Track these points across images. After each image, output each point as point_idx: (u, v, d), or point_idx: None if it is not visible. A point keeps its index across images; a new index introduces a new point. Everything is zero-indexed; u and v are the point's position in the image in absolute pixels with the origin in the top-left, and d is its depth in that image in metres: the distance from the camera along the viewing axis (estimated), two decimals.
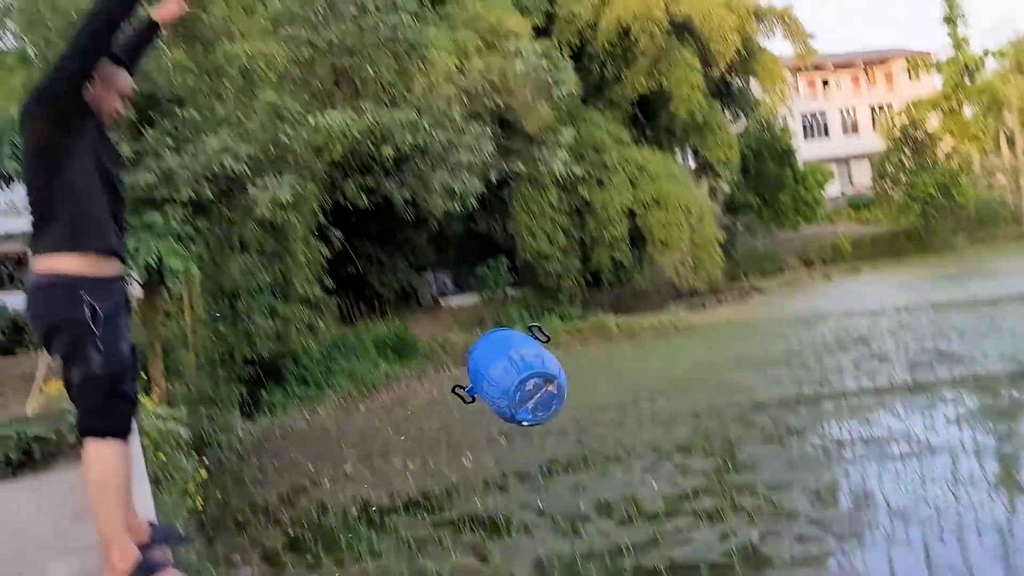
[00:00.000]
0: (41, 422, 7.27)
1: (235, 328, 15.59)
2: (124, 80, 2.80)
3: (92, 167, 2.67)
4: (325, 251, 18.02)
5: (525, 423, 2.83)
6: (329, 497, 10.73)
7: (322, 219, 15.95)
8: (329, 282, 20.27)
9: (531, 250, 23.37)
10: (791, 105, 32.25)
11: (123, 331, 2.67)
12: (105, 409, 2.64)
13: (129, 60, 2.93)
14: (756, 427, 10.93)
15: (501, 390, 2.86)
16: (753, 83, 28.66)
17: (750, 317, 20.71)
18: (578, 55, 24.10)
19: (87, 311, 2.54)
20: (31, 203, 2.70)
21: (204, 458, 10.53)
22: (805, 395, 12.22)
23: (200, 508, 7.87)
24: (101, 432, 2.68)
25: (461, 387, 2.90)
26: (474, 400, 2.62)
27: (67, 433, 7.30)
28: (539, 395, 2.91)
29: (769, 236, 31.73)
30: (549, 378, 2.89)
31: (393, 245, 25.36)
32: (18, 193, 9.56)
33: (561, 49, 19.39)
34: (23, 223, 11.18)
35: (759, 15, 25.92)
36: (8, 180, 8.52)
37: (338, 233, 17.31)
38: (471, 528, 8.63)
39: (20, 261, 23.96)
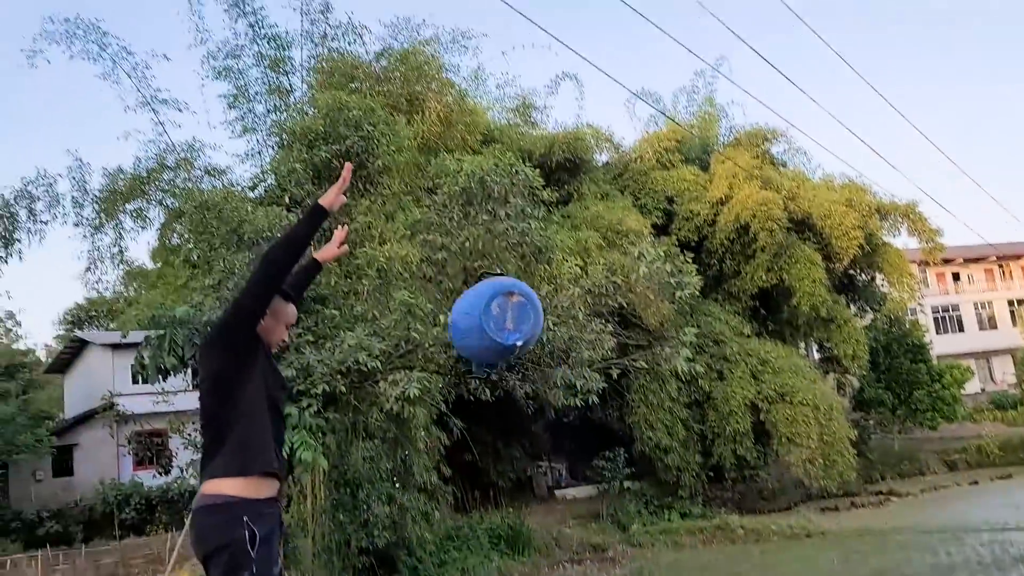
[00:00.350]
0: None
1: (354, 516, 15.63)
2: (291, 313, 3.10)
3: (261, 393, 2.92)
4: (444, 439, 18.19)
5: (519, 344, 2.70)
6: None
7: (443, 407, 16.24)
8: (446, 470, 20.29)
9: (649, 442, 22.82)
10: (921, 299, 31.32)
11: (275, 551, 2.79)
12: None
13: (295, 294, 3.27)
14: None
15: (476, 333, 2.76)
16: (879, 277, 28.16)
17: (890, 525, 19.14)
18: (696, 248, 24.55)
19: (247, 534, 2.68)
20: (203, 427, 2.95)
21: None
22: None
23: None
24: None
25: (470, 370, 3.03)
26: (489, 375, 2.62)
27: None
28: (510, 311, 2.81)
29: (905, 435, 29.87)
30: (508, 292, 2.80)
31: (510, 434, 25.35)
32: (171, 383, 10.28)
33: (681, 247, 19.80)
34: (167, 407, 11.85)
35: (882, 212, 25.88)
36: (166, 374, 9.20)
37: (458, 422, 17.51)
38: None
39: (162, 443, 25.35)
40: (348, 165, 3.19)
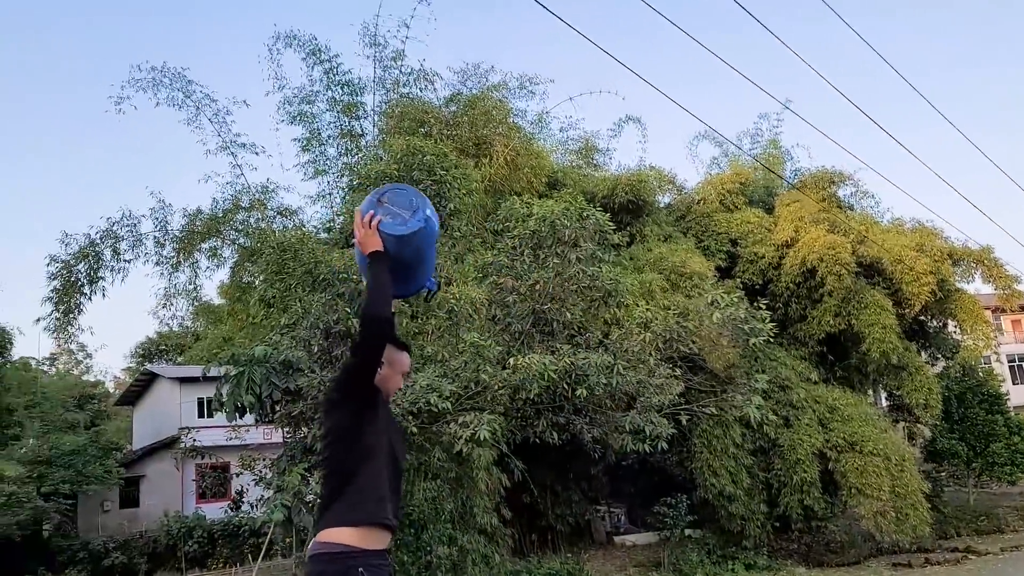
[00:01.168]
0: None
1: (416, 557, 15.60)
2: (405, 361, 3.17)
3: (381, 445, 2.98)
4: (505, 481, 18.11)
5: (430, 216, 2.94)
6: None
7: (505, 449, 16.20)
8: (506, 512, 20.15)
9: (713, 489, 22.26)
10: (996, 347, 30.21)
11: None
12: None
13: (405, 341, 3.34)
14: None
15: (382, 227, 3.01)
16: (951, 324, 27.30)
17: None
18: (761, 292, 24.15)
19: None
20: (325, 477, 3.01)
21: None
22: None
23: None
24: None
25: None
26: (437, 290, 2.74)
27: None
28: (396, 199, 3.09)
29: (981, 489, 28.64)
30: (383, 193, 3.07)
31: (568, 476, 25.05)
32: (245, 419, 10.48)
33: (745, 290, 19.56)
34: (237, 441, 12.14)
35: (954, 257, 25.17)
36: (243, 412, 9.39)
37: (519, 463, 17.42)
38: None
39: (226, 477, 25.78)
40: (358, 211, 3.32)
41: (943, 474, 28.01)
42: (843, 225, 24.31)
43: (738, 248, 25.43)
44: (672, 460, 28.23)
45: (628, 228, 24.17)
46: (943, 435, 27.40)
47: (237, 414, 9.55)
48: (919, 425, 26.28)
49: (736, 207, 26.40)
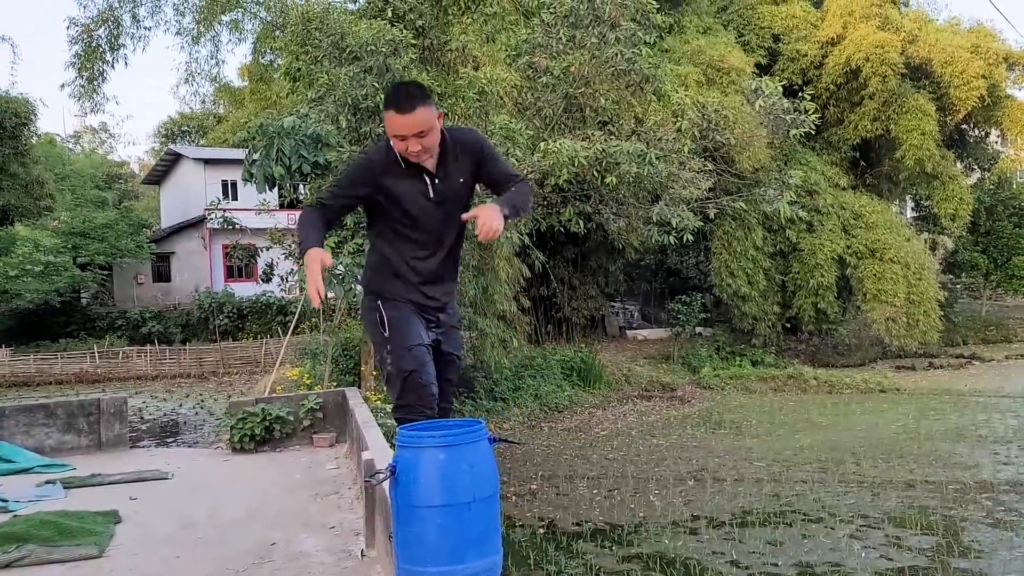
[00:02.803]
0: (283, 404, 7.94)
1: None
2: (391, 122, 2.92)
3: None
4: (525, 271, 18.44)
5: None
6: (515, 512, 10.89)
7: (527, 240, 16.36)
8: (525, 301, 20.74)
9: (728, 289, 22.71)
10: None
11: (413, 337, 2.91)
12: (402, 404, 2.92)
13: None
14: (983, 509, 9.97)
15: None
16: (993, 134, 26.41)
17: (969, 388, 18.97)
18: (799, 93, 23.30)
19: (377, 317, 2.89)
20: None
21: None
22: None
23: None
24: (402, 424, 2.93)
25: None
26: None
27: (302, 417, 7.93)
28: None
29: (995, 302, 29.00)
30: None
31: (586, 271, 25.55)
32: (272, 193, 10.52)
33: (784, 90, 18.81)
34: (266, 220, 12.22)
35: (1010, 61, 23.86)
36: (273, 183, 9.38)
37: (540, 255, 17.65)
38: (662, 568, 8.45)
39: (252, 254, 26.35)
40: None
41: (959, 285, 28.26)
42: (895, 22, 22.93)
43: (780, 45, 24.20)
44: (689, 262, 28.66)
45: (667, 18, 22.89)
46: (966, 247, 27.39)
47: (267, 186, 9.56)
48: (943, 236, 26.20)
49: None
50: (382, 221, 2.98)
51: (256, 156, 9.86)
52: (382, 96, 10.30)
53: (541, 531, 10.03)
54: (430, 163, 2.90)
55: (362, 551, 4.44)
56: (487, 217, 2.68)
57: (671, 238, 11.39)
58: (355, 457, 6.11)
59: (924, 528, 9.25)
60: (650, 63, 10.77)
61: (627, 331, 27.39)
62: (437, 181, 2.91)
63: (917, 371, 22.24)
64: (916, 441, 13.85)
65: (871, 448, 13.42)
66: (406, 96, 2.78)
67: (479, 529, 2.54)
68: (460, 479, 2.51)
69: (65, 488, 6.04)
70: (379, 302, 2.93)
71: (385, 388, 3.11)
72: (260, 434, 7.65)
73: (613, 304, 28.33)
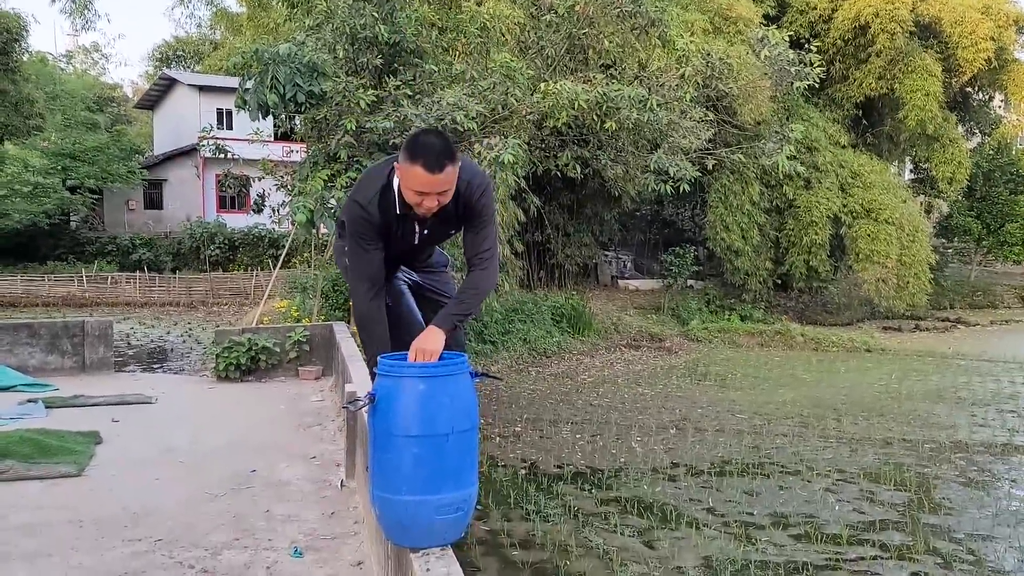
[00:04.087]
0: (269, 335, 7.94)
1: None
2: (412, 175, 2.76)
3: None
4: (520, 216, 18.33)
5: None
6: (498, 452, 11.00)
7: (523, 184, 16.22)
8: (518, 246, 20.67)
9: (722, 243, 22.69)
10: None
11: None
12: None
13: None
14: (956, 468, 10.13)
15: None
16: (997, 99, 26.14)
17: (953, 351, 19.14)
18: (803, 46, 22.96)
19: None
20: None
21: None
22: (1017, 445, 11.18)
23: None
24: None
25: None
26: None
27: (288, 349, 7.94)
28: None
29: (985, 267, 29.09)
30: None
31: (581, 219, 25.45)
32: (267, 123, 10.35)
33: (790, 43, 18.52)
34: (259, 150, 12.08)
35: (1020, 24, 23.50)
36: (267, 111, 9.22)
37: (535, 200, 17.53)
38: (639, 512, 8.58)
39: (244, 185, 26.12)
40: None
41: (951, 250, 28.31)
42: None
43: None
44: (684, 214, 28.56)
45: None
46: (961, 211, 27.36)
47: (260, 113, 9.38)
48: (939, 199, 26.13)
49: None
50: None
51: (250, 83, 9.67)
52: (381, 27, 10.10)
53: (523, 472, 10.15)
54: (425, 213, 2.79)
55: (342, 481, 4.47)
56: (424, 343, 2.66)
57: (668, 188, 11.30)
58: (339, 390, 6.13)
59: (898, 484, 9.40)
60: (656, 6, 10.54)
61: (619, 280, 27.44)
62: (426, 232, 2.87)
63: (903, 332, 22.40)
64: (897, 400, 14.01)
65: (852, 405, 13.57)
66: (437, 154, 2.62)
67: (456, 461, 2.55)
68: (439, 410, 2.51)
69: (47, 407, 6.05)
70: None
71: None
72: (246, 364, 7.66)
73: (607, 253, 28.31)
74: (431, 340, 2.66)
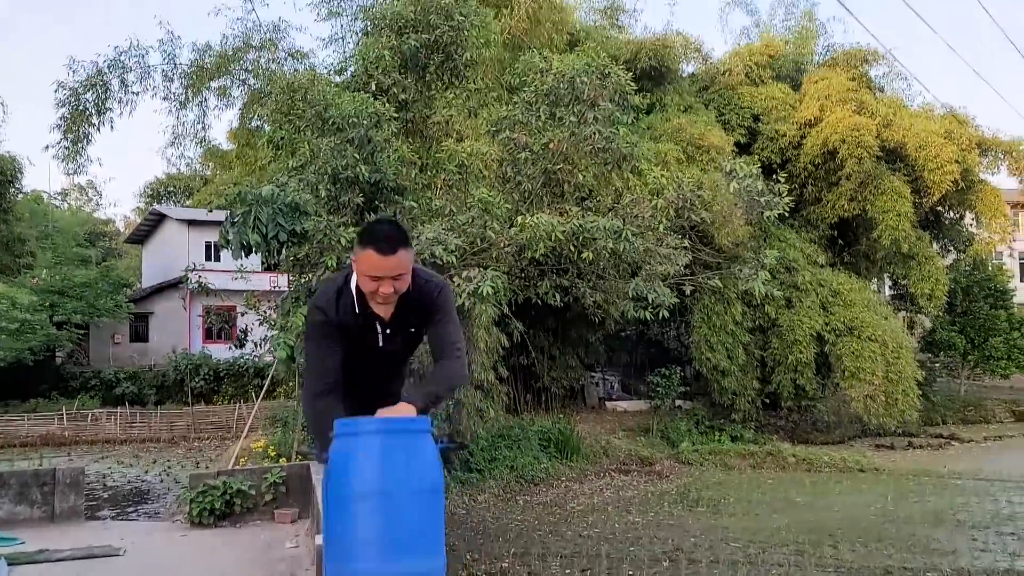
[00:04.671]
0: (245, 477, 7.76)
1: None
2: (366, 261, 2.82)
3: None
4: (504, 340, 18.37)
5: None
6: None
7: (506, 310, 16.34)
8: (503, 371, 20.61)
9: (707, 363, 22.69)
10: (1011, 243, 29.89)
11: None
12: None
13: None
14: None
15: None
16: (968, 216, 26.90)
17: (948, 469, 18.87)
18: (779, 171, 23.75)
19: None
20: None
21: None
22: (1019, 570, 10.84)
23: None
24: None
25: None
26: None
27: (264, 491, 7.74)
28: None
29: (973, 382, 29.11)
30: None
31: (567, 341, 25.49)
32: (250, 260, 10.48)
33: (763, 169, 19.17)
34: (242, 284, 12.07)
35: (983, 147, 24.48)
36: (249, 250, 9.36)
37: (519, 324, 17.61)
38: None
39: (232, 318, 26.21)
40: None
41: (938, 364, 28.39)
42: (870, 107, 23.55)
43: (759, 124, 24.77)
44: (670, 334, 28.68)
45: (649, 96, 23.45)
46: (943, 326, 27.61)
47: (243, 252, 9.52)
48: (920, 315, 26.43)
49: (762, 81, 25.52)
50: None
51: (233, 223, 9.87)
52: (361, 167, 10.41)
53: None
54: (384, 310, 2.82)
55: None
56: (391, 412, 2.62)
57: (647, 313, 11.40)
58: (314, 535, 5.94)
59: None
60: (628, 142, 10.96)
61: (607, 402, 27.22)
62: (388, 332, 2.86)
63: (896, 450, 22.14)
64: (894, 524, 13.67)
65: (849, 530, 13.22)
66: (388, 238, 2.66)
67: (416, 525, 2.30)
68: (397, 468, 2.31)
69: (10, 565, 5.81)
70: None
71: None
72: (220, 508, 7.45)
73: (593, 374, 28.21)
74: (399, 409, 2.58)
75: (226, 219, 10.10)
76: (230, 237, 9.85)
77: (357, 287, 2.78)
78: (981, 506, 14.88)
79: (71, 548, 6.35)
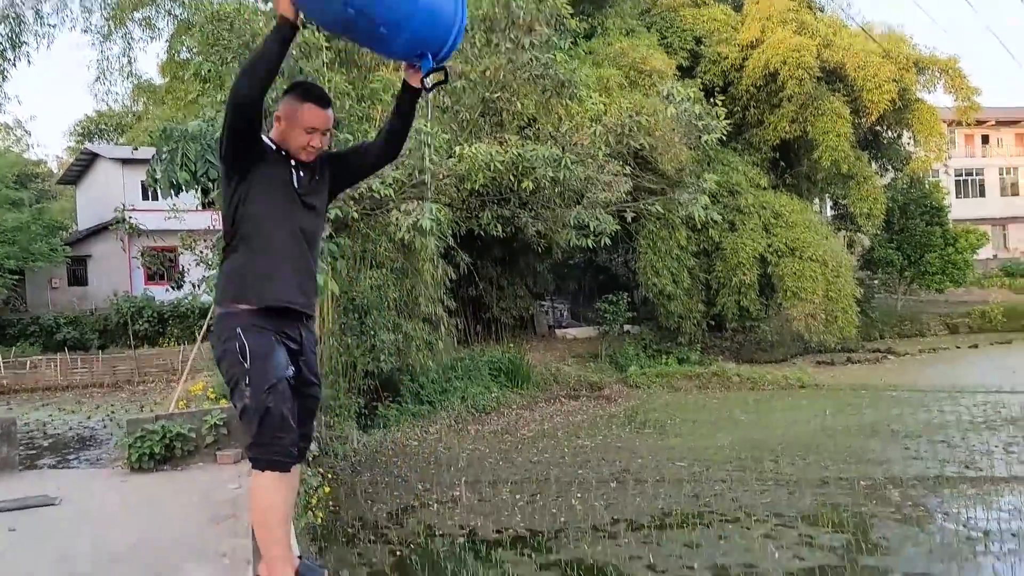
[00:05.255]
0: (184, 420, 7.64)
1: (361, 341, 15.99)
2: (307, 115, 2.86)
3: (271, 215, 2.77)
4: (451, 273, 18.30)
5: None
6: (437, 520, 10.76)
7: (451, 242, 16.23)
8: (451, 302, 20.60)
9: (654, 288, 22.98)
10: (947, 160, 30.52)
11: (277, 370, 2.71)
12: (260, 442, 2.71)
13: (400, 123, 3.04)
14: (891, 504, 10.23)
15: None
16: (905, 135, 27.31)
17: (885, 381, 19.57)
18: (720, 94, 23.68)
19: (237, 345, 2.66)
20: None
21: (321, 469, 10.80)
22: (948, 476, 11.37)
23: (320, 523, 8.02)
24: (257, 464, 2.75)
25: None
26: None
27: (205, 434, 7.64)
28: None
29: (910, 297, 30.03)
30: None
31: (515, 271, 25.54)
32: (182, 199, 10.15)
33: (705, 92, 19.08)
34: (178, 224, 11.76)
35: (920, 66, 24.70)
36: (178, 189, 9.04)
37: (465, 256, 17.55)
38: (579, 575, 8.44)
39: (172, 259, 25.60)
40: None
41: (876, 282, 29.18)
42: (811, 27, 23.52)
43: (702, 47, 24.58)
44: (617, 260, 28.91)
45: (589, 20, 23.05)
46: (881, 244, 28.27)
47: (172, 191, 9.20)
48: (859, 234, 27.00)
49: (704, 3, 25.26)
50: (253, 210, 2.77)
51: (160, 161, 9.50)
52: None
53: (461, 540, 9.92)
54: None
55: None
56: None
57: (589, 241, 11.40)
58: None
59: (835, 526, 9.45)
60: (566, 68, 10.75)
61: (556, 330, 27.47)
62: (301, 174, 2.86)
63: (836, 366, 22.86)
64: (832, 437, 14.18)
65: (789, 445, 13.68)
66: (323, 94, 2.95)
67: None
68: None
69: None
70: (239, 329, 2.72)
71: (240, 423, 2.85)
72: (160, 452, 7.34)
73: (542, 303, 28.38)
74: None
75: (153, 157, 9.72)
76: (157, 176, 9.49)
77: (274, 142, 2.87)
78: (914, 416, 15.51)
79: (2, 500, 6.22)
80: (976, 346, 25.81)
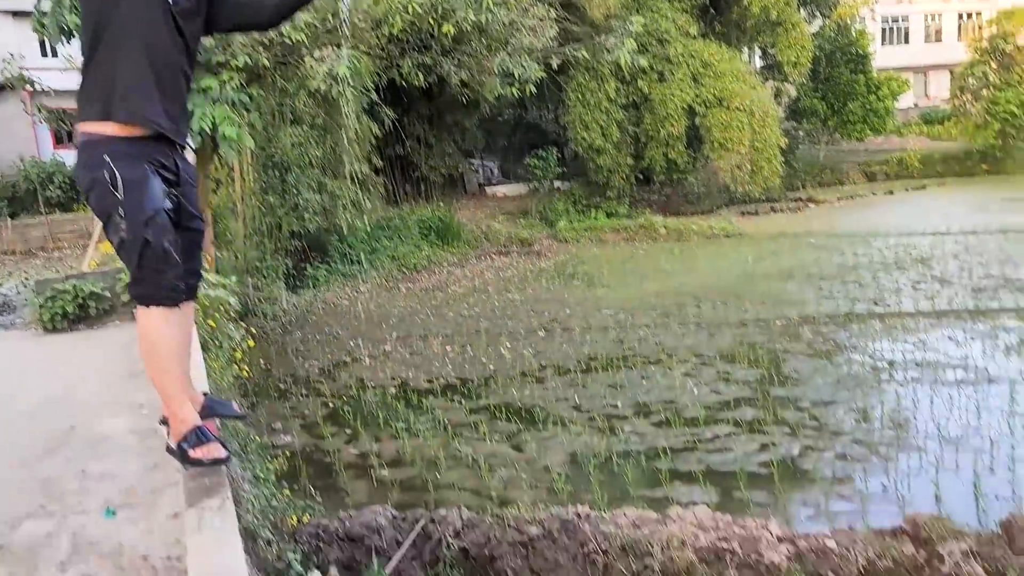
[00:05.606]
0: (97, 279, 7.37)
1: (284, 200, 15.61)
2: None
3: (140, 33, 2.51)
4: (376, 130, 17.77)
5: None
6: (368, 373, 10.92)
7: (375, 96, 15.64)
8: (378, 161, 20.10)
9: (583, 143, 22.80)
10: (874, 4, 30.31)
11: (153, 201, 2.53)
12: (142, 276, 2.56)
13: None
14: (804, 341, 10.74)
15: None
16: None
17: (805, 229, 20.15)
18: None
19: (107, 174, 2.46)
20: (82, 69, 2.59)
21: (250, 327, 10.71)
22: (858, 313, 11.94)
23: (246, 376, 7.99)
24: (142, 300, 2.62)
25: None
26: None
27: (120, 292, 7.41)
28: None
29: (832, 146, 30.54)
30: None
31: (443, 128, 24.96)
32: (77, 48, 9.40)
33: None
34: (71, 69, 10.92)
35: None
36: (70, 35, 8.34)
37: (389, 112, 16.99)
38: (507, 417, 8.72)
39: (61, 119, 24.05)
40: None
41: (800, 132, 29.49)
42: None
43: None
44: (547, 116, 28.45)
45: None
46: (807, 94, 28.39)
47: (64, 39, 8.47)
48: (786, 84, 27.00)
49: None
50: (122, 12, 2.49)
51: (47, 4, 8.71)
52: None
53: (393, 391, 10.11)
54: None
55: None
56: None
57: (514, 90, 11.09)
58: None
59: (751, 362, 9.90)
60: None
61: (486, 188, 27.28)
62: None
63: (759, 215, 23.37)
64: (752, 282, 14.67)
65: (711, 291, 14.11)
66: None
67: None
68: None
69: None
70: (106, 157, 2.50)
71: (120, 258, 2.68)
72: (74, 312, 7.11)
73: (472, 161, 27.99)
74: None
75: (39, 1, 8.92)
76: (45, 21, 8.74)
77: None
78: (830, 260, 16.10)
79: None
80: (892, 192, 26.65)
